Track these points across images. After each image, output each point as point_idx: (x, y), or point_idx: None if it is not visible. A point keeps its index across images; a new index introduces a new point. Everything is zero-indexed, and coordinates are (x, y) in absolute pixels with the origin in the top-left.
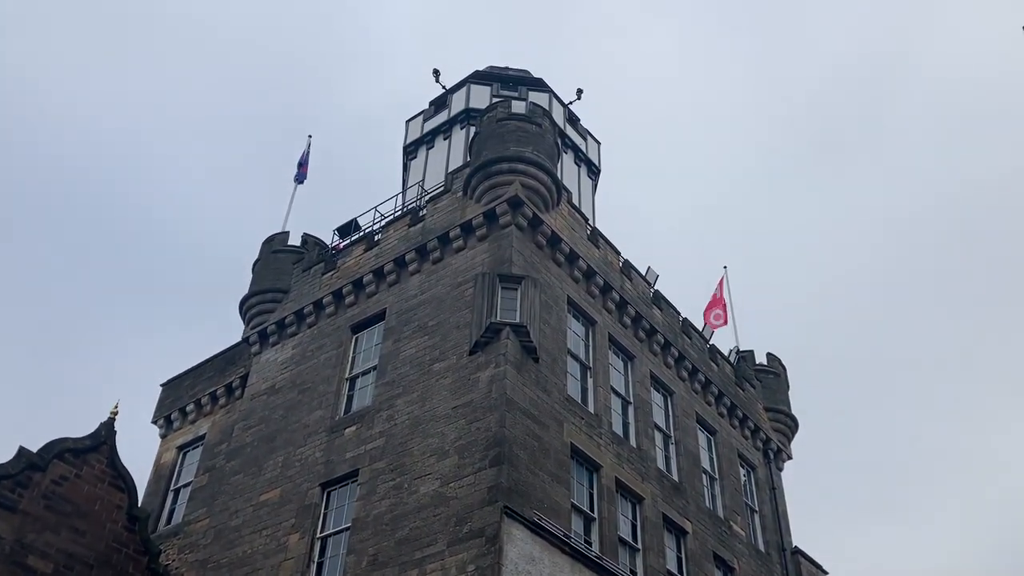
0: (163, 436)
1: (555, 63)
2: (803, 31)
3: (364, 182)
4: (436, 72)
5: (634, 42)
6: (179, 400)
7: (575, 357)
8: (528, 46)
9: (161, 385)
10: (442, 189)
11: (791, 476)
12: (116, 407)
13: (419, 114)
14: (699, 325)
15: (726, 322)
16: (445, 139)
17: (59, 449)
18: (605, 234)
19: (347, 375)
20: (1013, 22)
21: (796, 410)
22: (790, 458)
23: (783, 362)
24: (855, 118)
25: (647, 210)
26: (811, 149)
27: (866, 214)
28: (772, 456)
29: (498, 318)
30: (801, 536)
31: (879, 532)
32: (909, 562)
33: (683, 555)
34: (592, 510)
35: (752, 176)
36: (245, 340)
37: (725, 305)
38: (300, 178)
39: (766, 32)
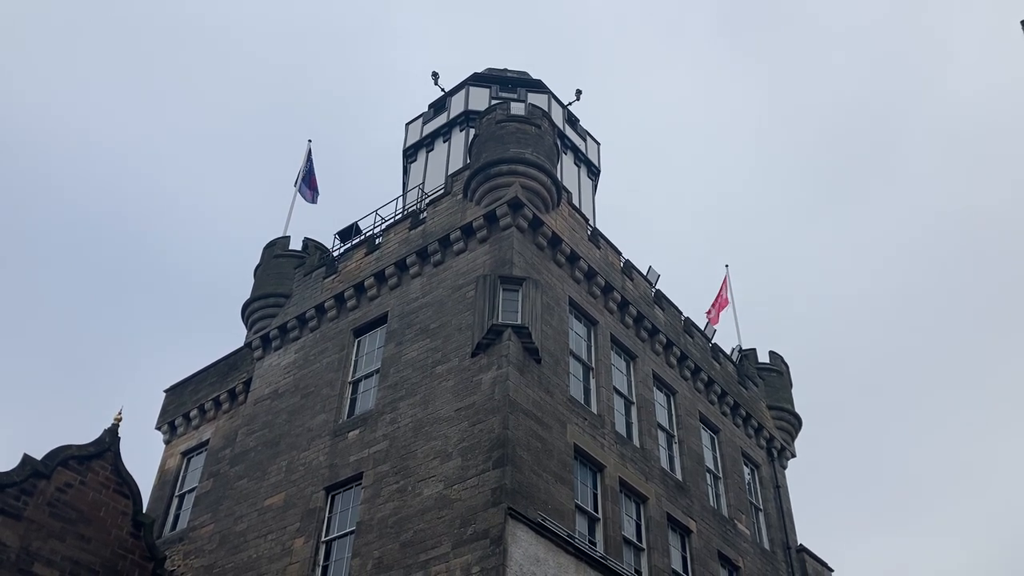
0: (167, 442)
1: (586, 79)
2: (815, 49)
3: (365, 186)
4: (435, 75)
5: (650, 66)
6: (183, 406)
7: (577, 358)
8: (549, 61)
9: (164, 391)
10: (442, 192)
11: (796, 474)
12: (120, 413)
13: (418, 117)
14: (701, 324)
15: (716, 321)
16: (445, 142)
17: (63, 456)
18: (606, 234)
19: (350, 379)
20: (1017, 48)
21: (800, 408)
22: (794, 456)
23: (786, 360)
24: (865, 131)
25: (649, 211)
26: (819, 156)
27: (874, 225)
28: (776, 454)
29: (500, 320)
30: (807, 534)
31: (884, 535)
32: (915, 567)
33: (688, 554)
34: (596, 510)
35: (757, 179)
36: (247, 345)
37: (726, 303)
38: (312, 197)
39: (777, 50)
